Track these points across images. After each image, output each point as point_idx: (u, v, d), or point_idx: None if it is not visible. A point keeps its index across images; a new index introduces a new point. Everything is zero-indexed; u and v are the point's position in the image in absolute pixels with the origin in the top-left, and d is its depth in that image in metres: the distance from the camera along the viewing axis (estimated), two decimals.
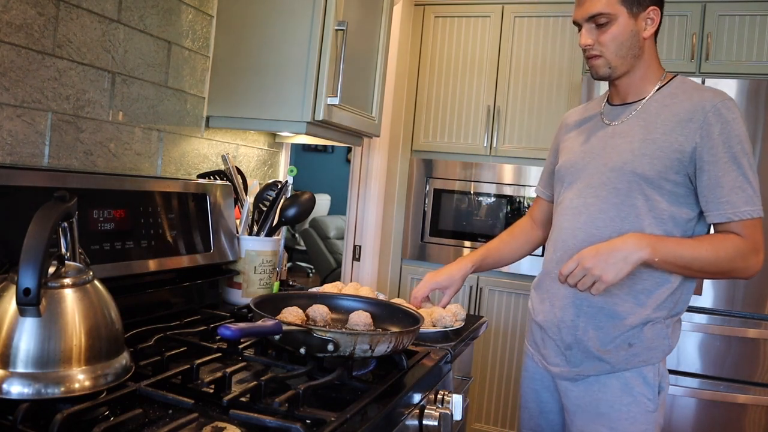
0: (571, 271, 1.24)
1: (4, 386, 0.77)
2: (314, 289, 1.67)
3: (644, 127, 1.34)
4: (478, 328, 1.67)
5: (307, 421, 0.88)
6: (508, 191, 3.01)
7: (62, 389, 0.79)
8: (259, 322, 1.05)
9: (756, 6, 2.65)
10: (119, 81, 1.47)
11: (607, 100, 1.48)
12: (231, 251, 1.60)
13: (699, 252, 1.26)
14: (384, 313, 1.34)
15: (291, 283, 1.98)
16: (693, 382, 2.56)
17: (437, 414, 1.17)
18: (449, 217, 3.11)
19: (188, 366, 1.00)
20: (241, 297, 1.63)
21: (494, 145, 3.02)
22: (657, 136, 1.31)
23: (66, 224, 0.90)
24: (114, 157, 1.48)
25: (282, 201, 1.70)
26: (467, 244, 3.07)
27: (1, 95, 1.19)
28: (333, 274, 5.50)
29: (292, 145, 2.32)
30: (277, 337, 1.07)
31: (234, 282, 1.64)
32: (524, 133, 2.98)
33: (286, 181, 1.75)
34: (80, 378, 0.81)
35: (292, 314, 1.26)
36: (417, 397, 1.16)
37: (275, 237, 1.70)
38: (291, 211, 1.69)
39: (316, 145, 6.36)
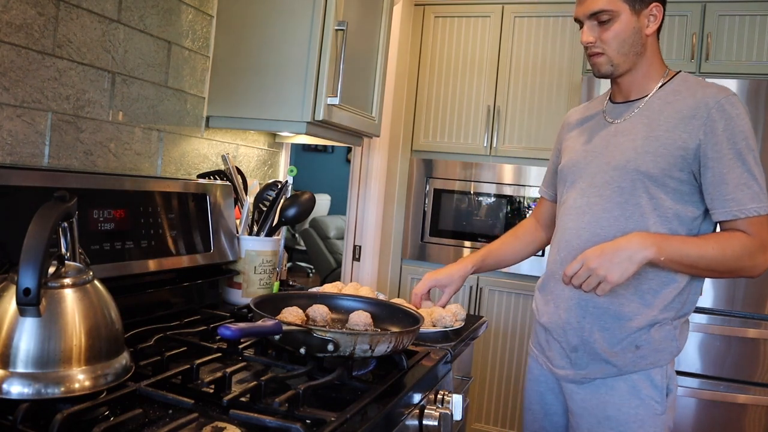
0: (576, 271, 1.22)
1: (4, 386, 0.77)
2: (314, 289, 1.67)
3: (647, 124, 1.32)
4: (478, 328, 1.67)
5: (307, 421, 0.88)
6: (508, 191, 3.01)
7: (62, 389, 0.79)
8: (259, 322, 1.05)
9: (756, 6, 2.65)
10: (119, 81, 1.47)
11: (610, 98, 1.46)
12: (231, 251, 1.60)
13: (705, 250, 1.24)
14: (384, 313, 1.34)
15: (291, 283, 1.98)
16: (693, 382, 2.56)
17: (437, 414, 1.17)
18: (449, 217, 3.11)
19: (188, 366, 1.00)
20: (241, 297, 1.63)
21: (494, 145, 3.02)
22: (660, 133, 1.30)
23: (66, 224, 0.89)
24: (114, 157, 1.48)
25: (282, 201, 1.70)
26: (467, 244, 3.07)
27: (1, 95, 1.19)
28: (333, 274, 5.50)
29: (292, 145, 2.32)
30: (277, 337, 1.07)
31: (234, 282, 1.64)
32: (524, 133, 2.98)
33: (286, 181, 1.75)
34: (80, 378, 0.81)
35: (292, 314, 1.26)
36: (417, 397, 1.16)
37: (275, 237, 1.70)
38: (291, 211, 1.69)
39: (316, 145, 6.36)
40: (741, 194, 1.24)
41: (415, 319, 1.27)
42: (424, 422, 1.16)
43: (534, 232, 1.69)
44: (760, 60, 2.64)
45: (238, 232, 1.65)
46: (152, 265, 1.34)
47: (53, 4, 1.27)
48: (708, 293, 2.60)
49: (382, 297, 1.61)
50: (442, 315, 1.53)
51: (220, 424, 0.85)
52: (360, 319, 1.27)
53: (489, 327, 3.00)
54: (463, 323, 1.57)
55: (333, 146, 6.99)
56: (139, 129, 1.55)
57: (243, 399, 0.93)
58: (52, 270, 0.84)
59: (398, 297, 2.90)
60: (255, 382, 0.95)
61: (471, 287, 3.05)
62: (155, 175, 1.60)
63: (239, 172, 1.78)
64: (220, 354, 1.13)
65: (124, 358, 0.88)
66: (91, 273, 0.88)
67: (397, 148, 3.14)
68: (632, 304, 1.32)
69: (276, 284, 1.78)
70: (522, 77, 2.99)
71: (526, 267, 2.95)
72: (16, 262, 0.76)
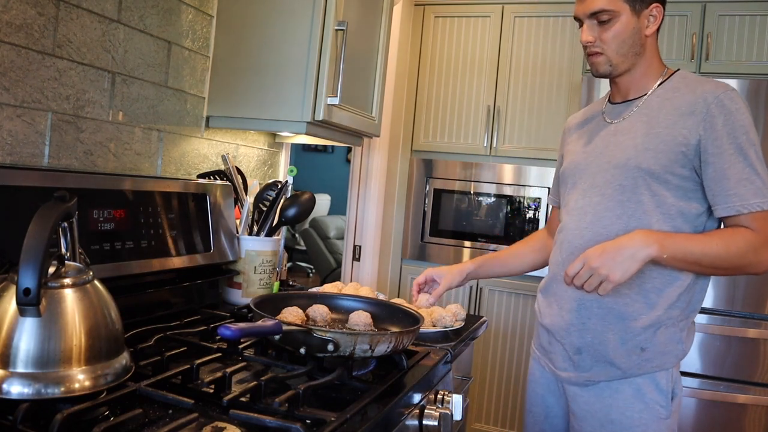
0: (577, 271, 1.20)
1: (4, 386, 0.77)
2: (314, 289, 1.67)
3: (646, 122, 1.32)
4: (478, 328, 1.67)
5: (307, 421, 0.88)
6: (508, 191, 3.01)
7: (62, 389, 0.79)
8: (259, 322, 1.05)
9: (756, 6, 2.65)
10: (119, 81, 1.47)
11: (609, 99, 1.45)
12: (231, 251, 1.60)
13: (709, 247, 1.22)
14: (384, 313, 1.34)
15: (291, 283, 1.98)
16: (693, 382, 2.56)
17: (437, 414, 1.17)
18: (449, 217, 3.11)
19: (188, 366, 1.00)
20: (241, 297, 1.63)
21: (494, 145, 3.02)
22: (660, 129, 1.29)
23: (66, 224, 0.89)
24: (114, 157, 1.48)
25: (282, 201, 1.70)
26: (467, 244, 3.07)
27: (1, 95, 1.19)
28: (333, 274, 5.50)
29: (292, 145, 2.32)
30: (277, 337, 1.07)
31: (234, 282, 1.64)
32: (524, 133, 2.98)
33: (286, 181, 1.75)
34: (80, 378, 0.81)
35: (292, 314, 1.26)
36: (417, 397, 1.16)
37: (275, 237, 1.70)
38: (291, 211, 1.69)
39: (316, 145, 6.36)
40: (743, 189, 1.22)
41: (415, 319, 1.27)
42: (424, 422, 1.16)
43: (543, 239, 1.66)
44: (760, 60, 2.64)
45: (238, 232, 1.65)
46: (152, 265, 1.34)
47: (53, 4, 1.27)
48: (708, 293, 2.59)
49: (382, 297, 1.61)
50: (442, 315, 1.53)
51: (220, 424, 0.85)
52: (360, 319, 1.27)
53: (489, 327, 3.00)
54: (463, 323, 1.57)
55: (333, 146, 6.99)
56: (139, 129, 1.55)
57: (243, 399, 0.93)
58: (52, 270, 0.84)
59: (398, 297, 2.91)
60: (255, 382, 0.95)
61: (471, 287, 3.05)
62: (155, 175, 1.60)
63: (239, 172, 1.78)
64: (220, 354, 1.13)
65: (124, 358, 0.88)
66: (91, 273, 0.88)
67: (397, 148, 3.14)
68: (636, 303, 1.30)
69: (276, 284, 1.78)
70: (522, 77, 2.99)
71: None
72: (16, 262, 0.76)
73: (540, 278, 2.91)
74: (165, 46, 1.60)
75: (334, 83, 1.69)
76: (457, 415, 1.25)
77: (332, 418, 0.89)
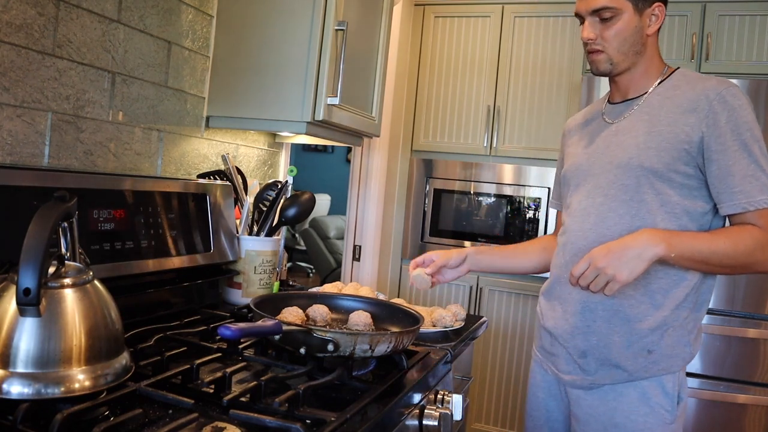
0: (583, 272, 1.18)
1: (4, 386, 0.77)
2: (314, 289, 1.67)
3: (648, 120, 1.30)
4: (478, 328, 1.67)
5: (307, 421, 0.88)
6: (508, 191, 3.01)
7: (62, 389, 0.79)
8: (259, 322, 1.05)
9: (756, 6, 2.65)
10: (119, 81, 1.47)
11: (608, 100, 1.44)
12: (231, 251, 1.60)
13: (716, 245, 1.20)
14: (384, 313, 1.34)
15: (291, 283, 1.98)
16: (693, 382, 2.56)
17: (437, 414, 1.17)
18: (449, 217, 3.11)
19: (188, 366, 1.00)
20: (241, 297, 1.63)
21: (494, 145, 3.02)
22: (662, 127, 1.27)
23: (66, 224, 0.89)
24: (114, 157, 1.48)
25: (282, 201, 1.70)
26: (467, 244, 3.07)
27: (1, 95, 1.19)
28: (333, 274, 5.50)
29: (292, 145, 2.32)
30: (277, 337, 1.07)
31: (234, 282, 1.64)
32: (524, 133, 2.98)
33: (286, 181, 1.75)
34: (80, 378, 0.81)
35: (292, 314, 1.26)
36: (417, 397, 1.16)
37: (275, 237, 1.70)
38: (291, 211, 1.69)
39: (316, 145, 6.36)
40: (749, 186, 1.21)
41: (415, 319, 1.27)
42: (424, 422, 1.16)
43: (552, 241, 1.59)
44: (760, 60, 2.64)
45: (238, 232, 1.65)
46: (152, 265, 1.34)
47: (53, 4, 1.27)
48: None
49: (382, 297, 1.61)
50: (442, 315, 1.53)
51: (220, 424, 0.85)
52: (360, 319, 1.27)
53: (489, 327, 3.00)
54: (463, 323, 1.57)
55: (333, 146, 6.99)
56: (139, 129, 1.55)
57: (243, 399, 0.93)
58: (52, 270, 0.84)
59: (398, 297, 2.91)
60: (255, 382, 0.95)
61: (471, 287, 3.05)
62: (155, 175, 1.60)
63: (239, 172, 1.78)
64: (220, 354, 1.13)
65: (124, 358, 0.88)
66: (91, 273, 0.88)
67: (397, 148, 3.14)
68: (642, 305, 1.28)
69: (276, 284, 1.78)
70: (522, 77, 2.99)
71: None
72: (16, 262, 0.76)
73: (541, 279, 2.92)
74: (165, 46, 1.60)
75: (334, 83, 1.69)
76: (457, 415, 1.25)
77: (332, 418, 0.89)
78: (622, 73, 1.34)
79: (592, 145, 1.40)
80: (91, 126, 1.41)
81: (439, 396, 1.27)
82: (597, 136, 1.40)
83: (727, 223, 1.29)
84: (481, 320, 1.72)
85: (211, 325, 1.29)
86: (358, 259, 2.95)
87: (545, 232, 2.94)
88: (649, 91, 1.34)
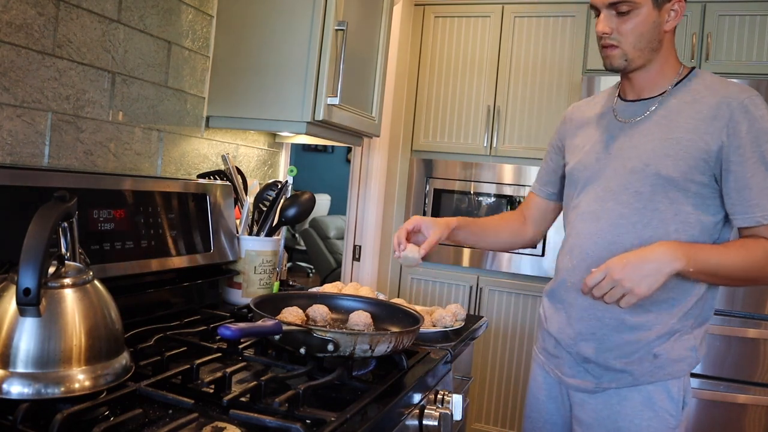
0: (598, 282, 1.14)
1: (4, 386, 0.77)
2: (314, 289, 1.67)
3: (665, 125, 1.26)
4: (478, 328, 1.67)
5: (307, 421, 0.88)
6: (508, 191, 3.01)
7: (62, 389, 0.79)
8: (259, 322, 1.05)
9: (756, 6, 2.65)
10: (119, 81, 1.47)
11: (619, 95, 1.38)
12: (231, 251, 1.60)
13: (732, 259, 1.19)
14: (384, 313, 1.34)
15: (291, 283, 1.98)
16: (693, 383, 2.56)
17: (437, 414, 1.17)
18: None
19: (188, 366, 1.00)
20: (241, 297, 1.63)
21: (494, 145, 3.02)
22: (680, 134, 1.23)
23: (66, 224, 0.89)
24: (114, 157, 1.48)
25: (282, 201, 1.70)
26: None
27: (1, 95, 1.19)
28: (333, 274, 5.50)
29: (292, 145, 2.32)
30: (277, 337, 1.07)
31: (234, 282, 1.64)
32: (524, 133, 2.98)
33: (286, 181, 1.75)
34: (80, 378, 0.81)
35: (292, 314, 1.26)
36: (417, 397, 1.16)
37: (275, 237, 1.70)
38: (291, 211, 1.69)
39: (316, 145, 6.36)
40: (765, 200, 1.19)
41: (415, 319, 1.27)
42: (424, 422, 1.16)
43: (519, 225, 1.59)
44: (760, 60, 2.64)
45: (238, 232, 1.65)
46: (152, 265, 1.34)
47: (53, 4, 1.27)
48: None
49: (382, 297, 1.61)
50: (442, 315, 1.53)
51: (220, 424, 0.85)
52: (360, 319, 1.27)
53: (489, 327, 3.00)
54: (463, 323, 1.57)
55: (333, 146, 6.99)
56: (139, 129, 1.55)
57: (243, 399, 0.93)
58: (52, 270, 0.84)
59: (398, 297, 2.91)
60: (255, 382, 0.95)
61: (471, 287, 3.05)
62: (155, 175, 1.60)
63: (239, 172, 1.78)
64: (220, 354, 1.13)
65: (124, 358, 0.88)
66: (91, 273, 0.88)
67: (397, 148, 3.14)
68: (650, 314, 1.26)
69: (276, 284, 1.78)
70: (522, 77, 2.99)
71: (527, 267, 2.95)
72: (16, 262, 0.76)
73: (541, 279, 2.92)
74: (165, 46, 1.60)
75: (334, 83, 1.69)
76: (457, 415, 1.25)
77: (332, 418, 0.89)
78: (636, 70, 1.29)
79: (602, 144, 1.35)
80: (91, 126, 1.41)
81: (439, 396, 1.27)
82: (608, 134, 1.35)
83: (733, 232, 1.27)
84: (481, 320, 1.72)
85: (211, 325, 1.29)
86: (358, 259, 2.95)
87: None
88: (666, 92, 1.29)
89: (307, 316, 1.29)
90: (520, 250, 2.97)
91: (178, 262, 1.42)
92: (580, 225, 1.35)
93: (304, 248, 6.17)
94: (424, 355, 1.30)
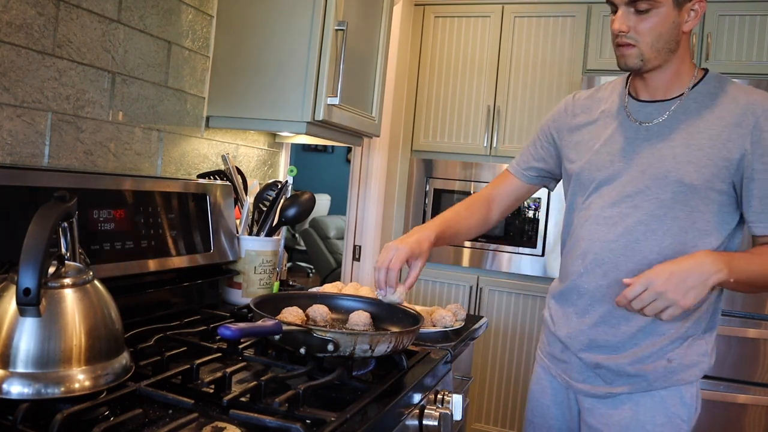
0: (638, 294, 1.10)
1: (4, 386, 0.77)
2: (314, 289, 1.67)
3: (686, 130, 1.22)
4: (478, 328, 1.67)
5: (307, 421, 0.88)
6: None
7: (62, 389, 0.79)
8: (259, 322, 1.05)
9: (756, 6, 2.65)
10: (119, 81, 1.47)
11: (629, 94, 1.33)
12: (231, 251, 1.60)
13: (762, 267, 1.17)
14: (384, 313, 1.34)
15: (291, 283, 1.98)
16: None
17: (437, 414, 1.17)
18: None
19: (188, 366, 0.99)
20: (241, 297, 1.63)
21: (494, 145, 3.02)
22: (703, 141, 1.20)
23: (66, 224, 0.89)
24: (114, 157, 1.48)
25: (282, 201, 1.70)
26: (467, 244, 3.07)
27: (1, 95, 1.19)
28: (333, 274, 5.50)
29: (292, 145, 2.32)
30: (277, 337, 1.07)
31: (234, 282, 1.64)
32: (524, 133, 2.98)
33: (286, 181, 1.75)
34: (80, 378, 0.81)
35: (292, 314, 1.26)
36: (417, 397, 1.16)
37: (275, 237, 1.70)
38: (291, 211, 1.69)
39: (316, 145, 6.36)
40: None
41: (415, 319, 1.26)
42: (424, 422, 1.16)
43: (487, 212, 1.51)
44: (760, 60, 2.64)
45: (238, 232, 1.65)
46: (152, 265, 1.34)
47: (53, 4, 1.27)
48: None
49: None
50: (442, 315, 1.53)
51: (220, 424, 0.85)
52: (360, 319, 1.27)
53: (489, 327, 3.00)
54: (463, 323, 1.57)
55: (333, 146, 6.99)
56: (139, 129, 1.55)
57: (243, 399, 0.93)
58: (52, 270, 0.84)
59: None
60: (255, 382, 0.95)
61: (471, 287, 3.05)
62: (155, 175, 1.60)
63: (239, 172, 1.78)
64: (220, 354, 1.13)
65: (124, 358, 0.88)
66: (91, 273, 0.88)
67: (397, 148, 3.14)
68: (668, 325, 1.24)
69: (276, 284, 1.78)
70: (522, 77, 2.99)
71: (527, 267, 2.95)
72: (16, 262, 0.76)
73: (542, 279, 2.92)
74: (165, 46, 1.60)
75: (334, 83, 1.69)
76: (457, 415, 1.25)
77: (332, 418, 0.89)
78: (651, 70, 1.24)
79: (617, 145, 1.30)
80: (91, 126, 1.41)
81: (439, 396, 1.27)
82: (623, 136, 1.29)
83: (741, 237, 1.27)
84: (481, 320, 1.72)
85: (211, 325, 1.29)
86: (358, 259, 2.95)
87: (545, 233, 2.94)
88: (684, 94, 1.25)
89: (307, 316, 1.29)
90: (520, 250, 2.97)
91: (178, 262, 1.42)
92: (593, 229, 1.31)
93: (304, 248, 6.18)
94: (424, 355, 1.30)
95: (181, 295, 1.46)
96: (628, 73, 1.33)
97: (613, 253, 1.27)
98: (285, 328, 1.05)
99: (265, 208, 1.70)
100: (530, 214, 2.97)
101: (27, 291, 0.75)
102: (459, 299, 3.05)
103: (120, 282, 1.26)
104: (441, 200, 3.11)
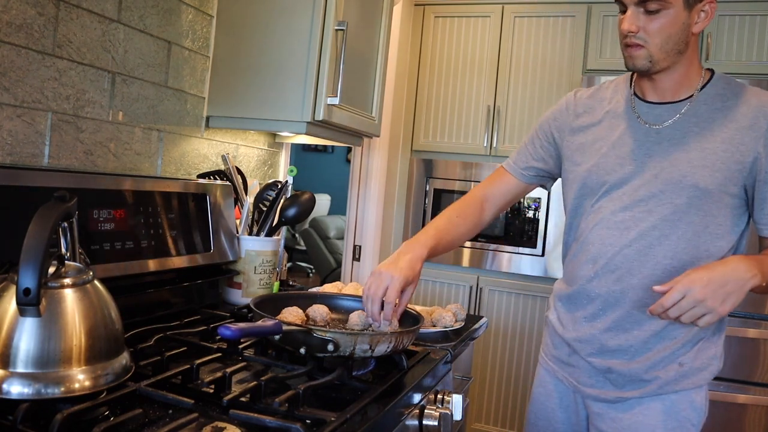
0: (676, 302, 1.07)
1: (4, 386, 0.77)
2: (314, 289, 1.67)
3: (698, 133, 1.21)
4: (478, 328, 1.67)
5: (307, 421, 0.88)
6: None
7: (62, 389, 0.79)
8: (259, 322, 1.05)
9: (756, 6, 2.65)
10: (119, 81, 1.47)
11: (636, 94, 1.30)
12: (231, 251, 1.60)
13: None
14: None
15: (291, 283, 1.98)
16: None
17: (437, 414, 1.17)
18: None
19: (188, 366, 1.00)
20: (241, 297, 1.63)
21: (494, 145, 3.02)
22: (717, 145, 1.19)
23: (66, 224, 0.90)
24: (114, 157, 1.48)
25: (282, 201, 1.70)
26: (467, 244, 3.07)
27: (1, 95, 1.19)
28: (333, 274, 5.50)
29: (292, 145, 2.32)
30: (277, 337, 1.07)
31: (234, 282, 1.64)
32: (524, 133, 2.98)
33: (286, 181, 1.75)
34: (80, 378, 0.81)
35: (292, 314, 1.26)
36: (417, 397, 1.16)
37: (275, 237, 1.70)
38: (291, 211, 1.69)
39: (316, 145, 6.36)
40: None
41: (415, 319, 1.27)
42: (424, 422, 1.16)
43: (479, 214, 1.46)
44: (760, 60, 2.64)
45: (238, 232, 1.65)
46: (152, 265, 1.34)
47: (53, 4, 1.27)
48: None
49: None
50: (442, 315, 1.53)
51: (220, 424, 0.85)
52: (360, 319, 1.27)
53: (489, 327, 3.00)
54: (463, 323, 1.57)
55: (333, 146, 6.99)
56: (139, 129, 1.55)
57: (243, 399, 0.93)
58: (52, 270, 0.84)
59: None
60: (255, 382, 0.95)
61: (471, 287, 3.05)
62: (155, 175, 1.60)
63: (239, 172, 1.78)
64: (220, 354, 1.13)
65: (124, 358, 0.88)
66: (91, 273, 0.88)
67: (397, 148, 3.14)
68: (680, 328, 1.24)
69: (276, 284, 1.78)
70: (522, 77, 2.99)
71: (527, 267, 2.95)
72: (16, 262, 0.76)
73: (540, 278, 2.92)
74: (165, 46, 1.60)
75: (334, 83, 1.69)
76: (457, 415, 1.25)
77: (332, 418, 0.89)
78: (660, 72, 1.22)
79: (626, 148, 1.27)
80: (91, 126, 1.41)
81: (439, 396, 1.27)
82: (633, 138, 1.27)
83: (747, 239, 1.26)
84: (481, 320, 1.72)
85: (211, 325, 1.29)
86: (358, 259, 2.95)
87: (545, 233, 2.94)
88: (693, 96, 1.24)
89: (307, 316, 1.29)
90: (520, 250, 2.97)
91: (178, 262, 1.42)
92: (604, 233, 1.28)
93: (304, 248, 6.18)
94: (424, 355, 1.30)
95: (181, 295, 1.46)
96: (630, 72, 1.31)
97: (627, 258, 1.25)
98: (285, 328, 1.05)
99: (265, 208, 1.70)
100: (530, 214, 2.97)
101: (27, 291, 0.75)
102: (459, 299, 3.05)
103: (120, 282, 1.26)
104: (441, 200, 3.11)
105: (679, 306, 1.08)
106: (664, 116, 1.25)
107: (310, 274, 6.59)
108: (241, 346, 1.17)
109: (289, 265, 2.47)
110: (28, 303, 0.76)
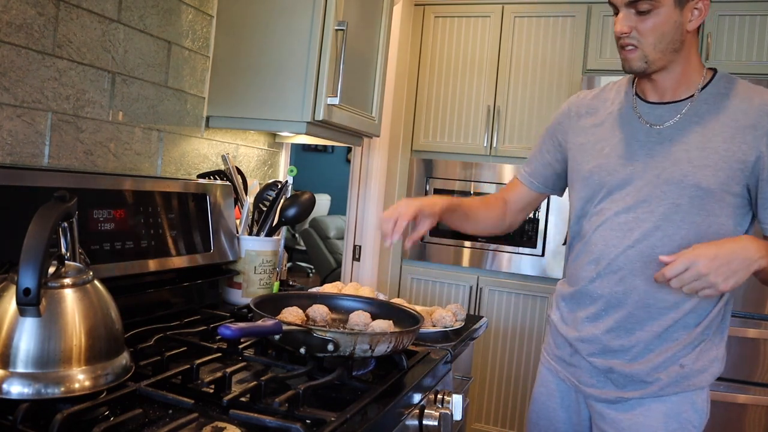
0: (678, 273, 1.08)
1: (4, 386, 0.77)
2: (314, 289, 1.67)
3: (700, 132, 1.21)
4: (478, 328, 1.67)
5: (307, 421, 0.88)
6: None
7: (62, 389, 0.79)
8: (259, 322, 1.05)
9: (756, 6, 2.65)
10: (119, 81, 1.47)
11: (637, 95, 1.31)
12: (231, 251, 1.60)
13: None
14: (384, 313, 1.34)
15: (291, 283, 1.98)
16: None
17: (437, 414, 1.17)
18: None
19: (188, 366, 1.00)
20: (241, 297, 1.63)
21: (494, 145, 3.02)
22: (718, 144, 1.19)
23: (66, 224, 0.89)
24: (114, 157, 1.48)
25: (282, 201, 1.70)
26: (467, 244, 3.07)
27: (1, 95, 1.19)
28: (333, 274, 5.50)
29: (292, 145, 2.32)
30: (277, 337, 1.07)
31: (234, 282, 1.64)
32: (524, 133, 2.98)
33: (286, 181, 1.75)
34: (80, 378, 0.81)
35: (292, 314, 1.26)
36: (417, 397, 1.16)
37: (275, 237, 1.70)
38: (291, 211, 1.69)
39: (316, 145, 6.36)
40: None
41: (415, 319, 1.27)
42: (424, 422, 1.16)
43: (502, 214, 1.51)
44: (760, 60, 2.64)
45: (238, 232, 1.65)
46: (152, 265, 1.34)
47: (53, 4, 1.27)
48: None
49: (382, 297, 1.61)
50: (442, 315, 1.53)
51: (220, 424, 0.85)
52: (360, 319, 1.27)
53: (489, 327, 3.00)
54: (463, 323, 1.57)
55: (333, 146, 6.99)
56: (139, 129, 1.55)
57: (243, 399, 0.93)
58: (52, 270, 0.84)
59: (398, 297, 2.91)
60: (255, 382, 0.95)
61: (471, 287, 3.05)
62: (155, 175, 1.60)
63: (239, 172, 1.78)
64: (220, 354, 1.13)
65: (124, 358, 0.88)
66: (91, 273, 0.88)
67: (397, 148, 3.14)
68: (685, 327, 1.24)
69: (276, 284, 1.78)
70: (522, 77, 2.99)
71: (527, 267, 2.95)
72: (16, 262, 0.76)
73: (540, 278, 2.92)
74: (165, 46, 1.60)
75: (334, 83, 1.69)
76: (457, 415, 1.25)
77: (332, 418, 0.89)
78: (658, 71, 1.23)
79: (628, 148, 1.27)
80: (91, 126, 1.41)
81: (439, 396, 1.27)
82: (634, 138, 1.27)
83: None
84: (481, 320, 1.72)
85: (211, 325, 1.29)
86: (358, 259, 2.95)
87: (545, 233, 2.94)
88: (694, 95, 1.24)
89: (307, 316, 1.29)
90: (520, 250, 2.97)
91: (178, 262, 1.42)
92: (606, 234, 1.28)
93: (304, 248, 6.17)
94: (424, 355, 1.30)
95: (181, 295, 1.46)
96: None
97: (629, 259, 1.25)
98: (285, 328, 1.05)
99: (265, 208, 1.70)
100: (530, 214, 2.97)
101: (27, 291, 0.75)
102: (459, 299, 3.05)
103: (120, 282, 1.26)
104: None
105: (680, 278, 1.08)
106: (666, 116, 1.25)
107: (310, 274, 6.59)
108: (241, 346, 1.17)
109: (289, 265, 2.47)
110: (28, 303, 0.76)
